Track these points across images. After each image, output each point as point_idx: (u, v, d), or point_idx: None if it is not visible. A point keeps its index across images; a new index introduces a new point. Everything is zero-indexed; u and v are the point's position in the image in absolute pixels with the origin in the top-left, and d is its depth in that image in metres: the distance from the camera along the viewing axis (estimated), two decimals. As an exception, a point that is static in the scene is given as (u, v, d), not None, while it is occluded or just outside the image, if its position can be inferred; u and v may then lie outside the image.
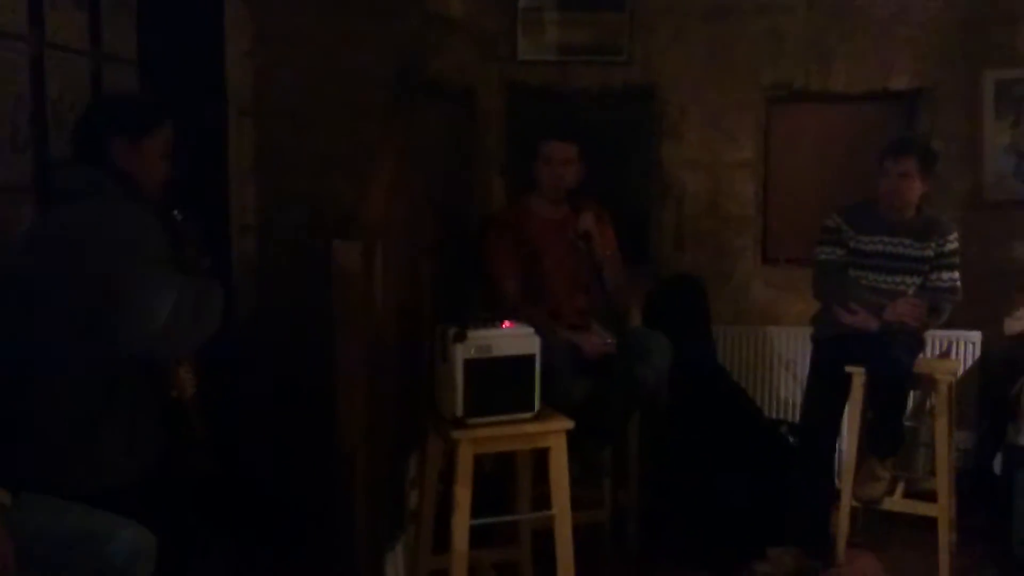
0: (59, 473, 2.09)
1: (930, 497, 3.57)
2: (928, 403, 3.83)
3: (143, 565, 1.91)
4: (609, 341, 3.32)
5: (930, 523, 3.52)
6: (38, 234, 2.30)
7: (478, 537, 2.82)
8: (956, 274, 3.61)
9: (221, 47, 3.70)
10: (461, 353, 2.73)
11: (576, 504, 2.87)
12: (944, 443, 3.54)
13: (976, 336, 4.14)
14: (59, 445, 2.14)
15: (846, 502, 3.61)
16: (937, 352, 4.05)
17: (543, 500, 2.90)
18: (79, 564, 1.84)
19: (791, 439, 3.92)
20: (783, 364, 4.25)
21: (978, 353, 4.15)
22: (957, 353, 4.13)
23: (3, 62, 2.47)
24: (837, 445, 3.69)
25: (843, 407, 3.59)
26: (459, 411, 2.74)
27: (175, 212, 2.37)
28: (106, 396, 2.19)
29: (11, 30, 2.50)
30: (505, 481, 3.17)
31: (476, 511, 2.76)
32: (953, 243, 3.62)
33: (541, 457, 2.89)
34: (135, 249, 2.11)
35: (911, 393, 3.70)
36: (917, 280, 3.60)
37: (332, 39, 4.14)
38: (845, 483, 3.61)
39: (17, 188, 2.55)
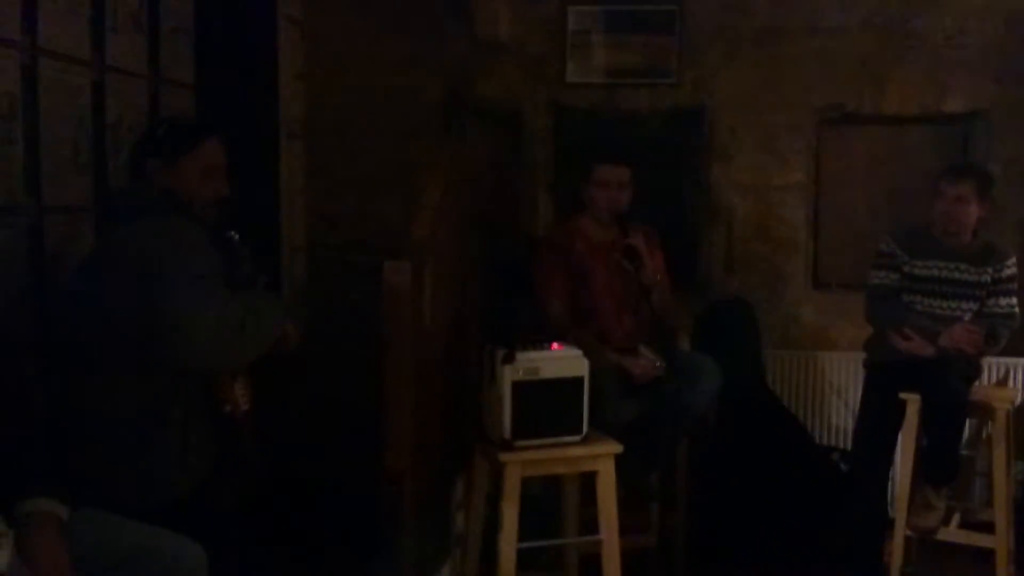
0: (113, 488, 2.13)
1: (987, 528, 3.53)
2: (985, 431, 3.77)
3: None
4: (658, 364, 3.31)
5: (987, 555, 3.48)
6: (94, 254, 2.36)
7: (524, 561, 2.82)
8: (1014, 300, 3.57)
9: (274, 70, 3.77)
10: (509, 375, 2.75)
11: (623, 528, 2.86)
12: (1002, 472, 3.49)
13: (1035, 363, 4.07)
14: (114, 460, 2.18)
15: (900, 532, 3.56)
16: (995, 379, 3.99)
17: (590, 524, 2.89)
18: (140, 573, 1.87)
19: (843, 466, 3.89)
20: (834, 390, 4.20)
21: (1037, 380, 4.08)
22: (1016, 381, 4.07)
23: (66, 86, 2.54)
24: (890, 474, 3.65)
25: (897, 435, 3.55)
26: (507, 433, 2.75)
27: (232, 233, 2.42)
28: (160, 411, 2.23)
29: (74, 54, 2.58)
30: (552, 504, 3.17)
31: (523, 534, 2.76)
32: (1011, 268, 3.58)
33: (588, 480, 2.88)
34: (178, 262, 2.14)
35: (967, 421, 3.63)
36: (974, 306, 3.56)
37: (382, 62, 4.20)
38: (899, 513, 3.56)
39: (78, 209, 2.61)
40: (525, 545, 2.79)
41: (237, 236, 2.43)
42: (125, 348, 2.17)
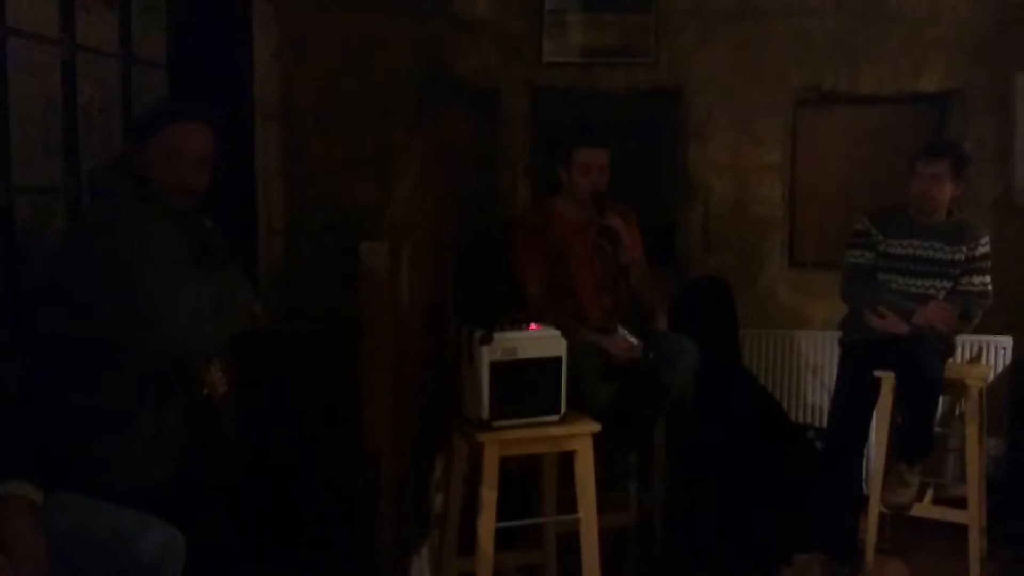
0: (89, 473, 2.11)
1: (960, 504, 3.57)
2: (958, 409, 3.81)
3: (172, 564, 1.92)
4: (635, 344, 3.32)
5: (960, 530, 3.51)
6: (66, 238, 2.35)
7: (503, 540, 2.83)
8: (987, 278, 3.59)
9: (249, 49, 3.73)
10: (487, 355, 2.74)
11: (601, 507, 2.87)
12: (975, 449, 3.52)
13: (1007, 341, 4.11)
14: (89, 445, 2.17)
15: (874, 508, 3.60)
16: (968, 357, 4.01)
17: (569, 503, 2.90)
18: (109, 562, 1.85)
19: (818, 444, 3.91)
20: (810, 368, 4.23)
21: (1009, 358, 4.12)
22: (988, 358, 4.09)
23: (36, 65, 2.50)
24: (865, 451, 3.68)
25: (871, 412, 3.58)
26: (485, 414, 2.75)
27: (205, 220, 2.40)
28: (135, 395, 2.22)
29: (43, 33, 2.54)
30: (530, 484, 3.18)
31: (501, 514, 2.76)
32: (985, 247, 3.60)
33: (566, 460, 2.89)
34: (148, 248, 2.13)
35: (941, 398, 3.66)
36: (947, 284, 3.58)
37: (357, 41, 4.17)
38: (873, 489, 3.60)
39: (49, 189, 2.58)
40: (503, 525, 2.79)
41: (210, 223, 2.41)
42: (98, 332, 2.15)
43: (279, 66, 4.08)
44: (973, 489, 3.50)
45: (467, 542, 2.88)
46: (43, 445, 1.90)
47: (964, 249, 3.57)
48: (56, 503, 1.85)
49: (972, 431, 3.53)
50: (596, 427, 2.84)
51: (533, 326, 2.87)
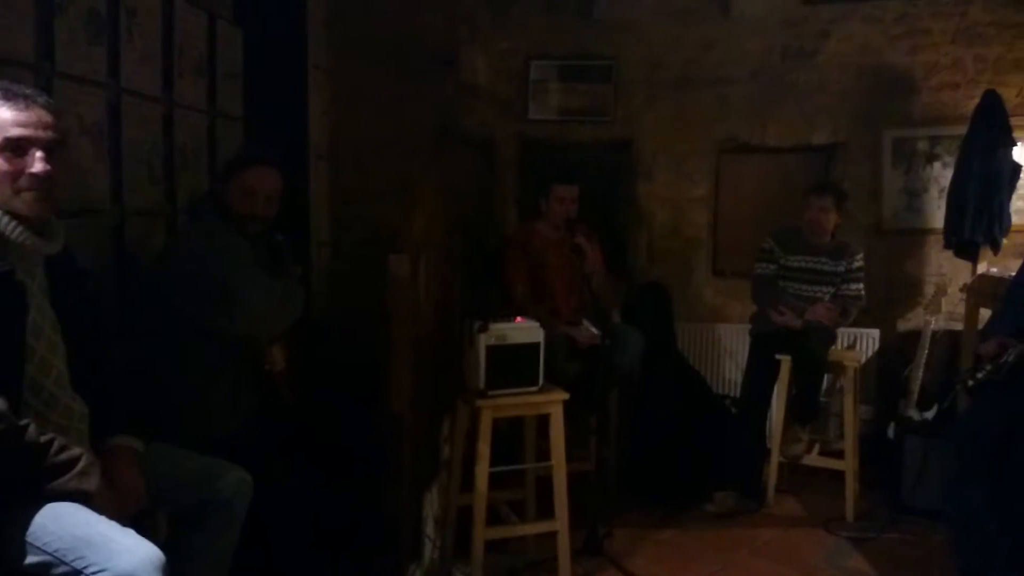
0: (180, 428, 2.11)
1: (839, 455, 3.58)
2: (839, 383, 3.82)
3: (242, 498, 1.91)
4: (596, 333, 3.32)
5: (839, 475, 3.52)
6: (166, 246, 2.36)
7: (495, 481, 2.83)
8: (862, 286, 3.61)
9: (305, 107, 3.73)
10: (484, 341, 2.74)
11: (569, 457, 2.87)
12: (851, 414, 3.54)
13: (876, 333, 4.12)
14: (179, 405, 2.17)
15: (775, 458, 3.62)
16: (846, 344, 4.03)
17: (544, 453, 2.90)
18: (195, 496, 1.85)
19: (733, 410, 3.91)
20: (728, 353, 4.23)
21: (877, 346, 4.13)
22: (861, 345, 4.11)
23: (143, 118, 2.50)
24: (768, 415, 3.68)
25: (773, 386, 3.59)
26: (482, 385, 2.75)
27: (278, 236, 2.39)
28: (215, 367, 2.22)
29: (149, 92, 2.53)
30: (516, 439, 3.17)
31: (493, 461, 2.76)
32: (860, 262, 3.62)
33: (543, 421, 2.89)
34: (225, 255, 2.14)
35: (826, 376, 3.68)
36: (831, 290, 3.60)
37: (388, 100, 4.17)
38: (774, 444, 3.62)
39: (152, 212, 2.58)
40: (495, 469, 2.79)
41: (282, 238, 2.41)
42: (187, 320, 2.15)
43: (328, 119, 4.07)
44: (849, 444, 3.52)
45: (467, 482, 2.88)
46: (144, 406, 1.89)
47: (844, 263, 3.59)
48: (154, 451, 1.85)
49: (849, 400, 3.54)
50: (565, 396, 2.83)
51: (519, 319, 2.86)
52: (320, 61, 3.92)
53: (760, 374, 3.60)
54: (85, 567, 1.45)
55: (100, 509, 1.57)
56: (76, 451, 1.61)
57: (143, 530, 1.57)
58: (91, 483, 1.59)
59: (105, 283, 2.29)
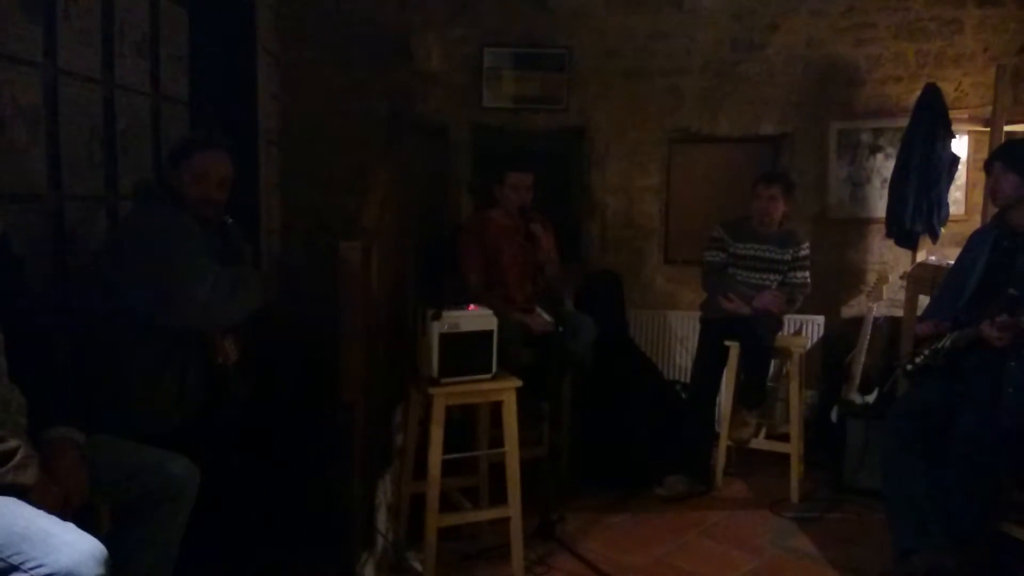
0: (123, 417, 2.06)
1: (785, 439, 3.66)
2: (784, 369, 3.89)
3: (189, 489, 1.88)
4: (549, 321, 3.33)
5: (784, 458, 3.61)
6: (112, 231, 2.31)
7: (448, 468, 2.82)
8: (807, 273, 3.68)
9: (254, 91, 3.64)
10: (437, 328, 2.72)
11: (521, 443, 2.88)
12: (796, 398, 3.61)
13: (820, 319, 4.21)
14: (123, 396, 2.11)
15: (723, 442, 3.68)
16: (792, 331, 4.11)
17: (497, 440, 2.91)
18: (140, 487, 1.81)
19: (683, 395, 3.96)
20: (678, 339, 4.29)
21: (822, 332, 4.22)
22: (806, 332, 4.19)
23: (82, 100, 2.41)
24: (717, 400, 3.73)
25: (722, 371, 3.64)
26: (435, 372, 2.73)
27: (227, 218, 2.35)
28: (161, 358, 2.16)
29: (88, 74, 2.44)
30: (469, 426, 3.17)
31: (446, 448, 2.76)
32: (806, 250, 3.68)
33: (496, 408, 2.89)
34: (174, 241, 2.09)
35: (772, 361, 3.75)
36: (778, 277, 3.66)
37: (340, 86, 4.10)
38: (723, 428, 3.67)
39: (92, 198, 2.50)
40: (448, 456, 2.79)
41: (231, 220, 2.36)
42: (133, 309, 2.09)
43: (279, 104, 3.99)
44: (795, 428, 3.59)
45: (420, 470, 2.87)
46: (85, 397, 1.84)
47: (791, 251, 3.65)
48: (96, 442, 1.79)
49: (794, 385, 3.62)
50: (518, 383, 2.84)
51: (472, 307, 2.85)
52: (270, 45, 3.84)
53: (709, 360, 3.66)
54: (23, 563, 1.40)
55: (39, 503, 1.52)
56: (13, 443, 1.56)
57: (84, 524, 1.53)
58: (29, 476, 1.55)
59: (43, 271, 2.21)
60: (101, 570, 1.44)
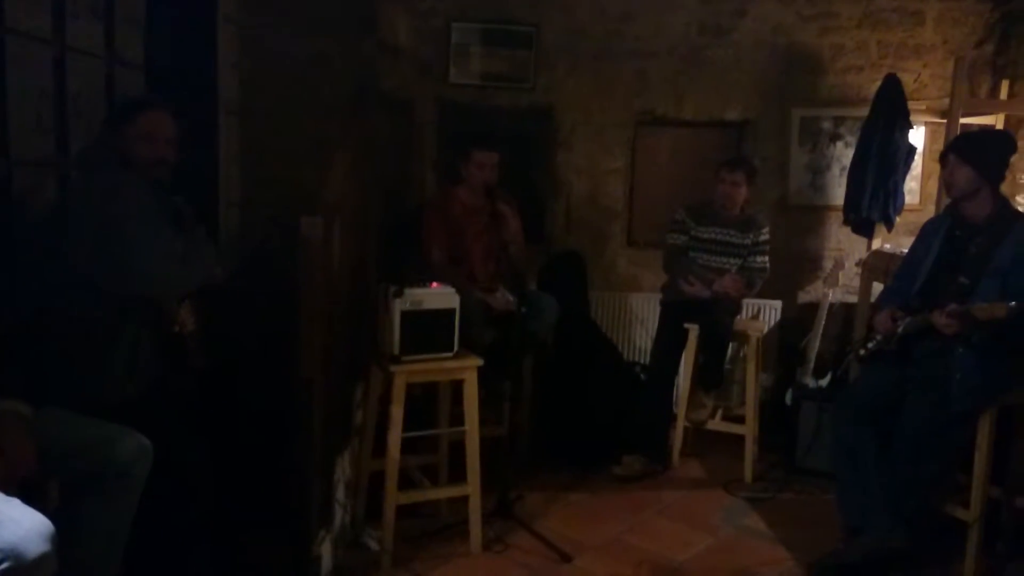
0: (72, 390, 1.99)
1: (741, 420, 3.72)
2: (742, 352, 3.95)
3: (142, 465, 1.83)
4: (511, 300, 3.32)
5: (739, 439, 3.67)
6: (63, 197, 2.22)
7: (407, 446, 2.82)
8: (767, 258, 3.73)
9: (214, 58, 3.53)
10: (399, 306, 2.70)
11: (482, 422, 2.88)
12: (752, 381, 3.68)
13: (778, 304, 4.28)
14: (72, 367, 2.04)
15: (680, 423, 3.73)
16: (750, 315, 4.16)
17: (458, 418, 2.90)
18: (90, 463, 1.76)
19: (642, 376, 4.00)
20: (639, 321, 4.32)
21: (778, 316, 4.29)
22: (764, 316, 4.26)
23: (30, 61, 2.31)
24: (675, 381, 3.77)
25: (681, 353, 3.68)
26: (396, 350, 2.72)
27: (178, 198, 2.29)
28: (112, 327, 2.10)
29: (37, 34, 2.34)
30: (429, 404, 3.16)
31: (406, 426, 2.75)
32: (766, 235, 3.73)
33: (457, 386, 2.89)
34: (120, 208, 2.03)
35: (730, 344, 3.80)
36: (738, 261, 3.70)
37: (303, 56, 3.99)
38: (680, 409, 3.72)
39: (42, 163, 2.40)
40: (408, 435, 2.78)
41: (181, 199, 2.30)
42: (84, 277, 2.03)
43: (238, 72, 3.88)
44: (750, 410, 3.66)
45: (380, 448, 2.85)
46: (33, 368, 1.78)
47: (751, 236, 3.69)
48: (45, 415, 1.74)
49: (751, 368, 3.68)
50: (480, 362, 2.84)
51: (434, 284, 2.84)
52: (230, 12, 3.72)
53: (669, 342, 3.69)
54: (-36, 539, 1.36)
55: (-18, 478, 1.47)
56: (-45, 417, 1.50)
57: (31, 499, 1.49)
58: (-28, 450, 1.49)
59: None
60: (47, 547, 1.40)
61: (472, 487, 2.82)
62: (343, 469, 2.92)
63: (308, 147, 3.80)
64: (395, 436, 2.71)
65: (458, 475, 2.93)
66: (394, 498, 2.73)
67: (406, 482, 2.92)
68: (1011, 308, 2.39)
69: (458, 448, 2.90)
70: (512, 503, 3.05)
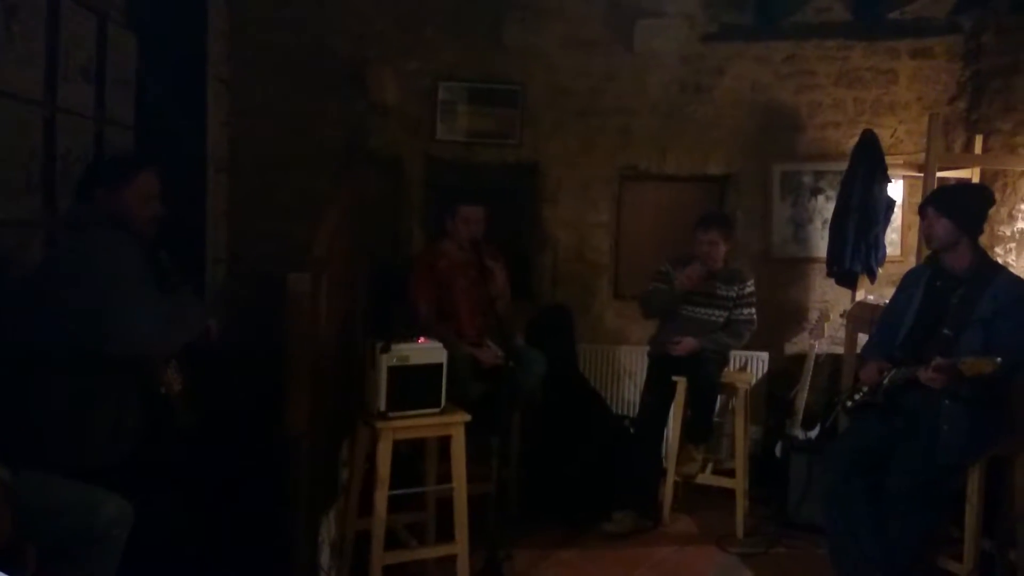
0: (53, 453, 1.96)
1: (731, 474, 3.68)
2: (731, 404, 3.93)
3: (121, 529, 1.79)
4: (499, 354, 3.31)
5: (730, 493, 3.63)
6: (47, 259, 2.20)
7: (394, 504, 2.77)
8: (753, 310, 3.73)
9: (203, 117, 3.58)
10: (386, 361, 2.69)
11: (470, 478, 2.84)
12: (742, 434, 3.65)
13: (765, 355, 4.27)
14: (54, 429, 2.01)
15: (670, 477, 3.68)
16: (737, 366, 4.15)
17: (445, 475, 2.86)
18: (69, 528, 1.72)
19: (631, 429, 3.96)
20: (627, 374, 4.30)
21: (766, 368, 4.28)
22: (751, 367, 4.25)
23: (21, 121, 2.33)
24: (664, 434, 3.74)
25: (670, 407, 3.65)
26: (383, 406, 2.69)
27: (162, 253, 2.30)
28: (95, 390, 2.07)
29: (28, 96, 2.37)
30: (417, 461, 3.12)
31: (393, 484, 2.70)
32: (750, 287, 3.74)
33: (445, 442, 2.85)
34: (117, 269, 2.02)
35: (719, 397, 3.79)
36: (724, 313, 3.70)
37: (293, 115, 4.06)
38: (670, 463, 3.68)
39: (29, 223, 2.41)
40: (395, 492, 2.73)
41: (165, 255, 2.31)
42: (67, 338, 2.00)
43: (228, 130, 3.92)
44: (740, 463, 3.63)
45: (366, 506, 2.80)
46: (11, 431, 1.75)
47: (736, 288, 3.70)
48: (23, 479, 1.70)
49: (740, 420, 3.66)
50: (468, 417, 2.81)
51: (422, 339, 2.83)
52: (220, 72, 3.78)
53: (657, 395, 3.67)
54: (-63, 608, 1.32)
55: (-43, 544, 1.43)
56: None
57: (9, 565, 1.44)
58: (-53, 516, 1.45)
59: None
60: (23, 616, 1.35)
61: (460, 546, 2.77)
62: (328, 529, 2.86)
63: (296, 204, 3.84)
64: (382, 495, 2.67)
65: (446, 533, 2.87)
66: (380, 559, 2.67)
67: (393, 541, 2.85)
68: (998, 364, 2.40)
69: (446, 505, 2.85)
70: (501, 562, 2.99)
